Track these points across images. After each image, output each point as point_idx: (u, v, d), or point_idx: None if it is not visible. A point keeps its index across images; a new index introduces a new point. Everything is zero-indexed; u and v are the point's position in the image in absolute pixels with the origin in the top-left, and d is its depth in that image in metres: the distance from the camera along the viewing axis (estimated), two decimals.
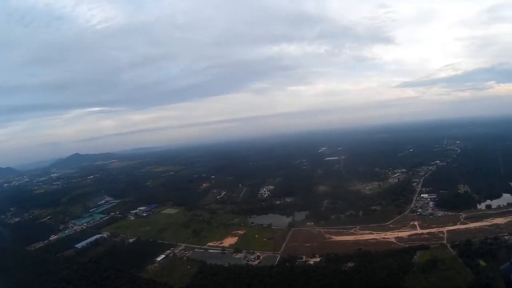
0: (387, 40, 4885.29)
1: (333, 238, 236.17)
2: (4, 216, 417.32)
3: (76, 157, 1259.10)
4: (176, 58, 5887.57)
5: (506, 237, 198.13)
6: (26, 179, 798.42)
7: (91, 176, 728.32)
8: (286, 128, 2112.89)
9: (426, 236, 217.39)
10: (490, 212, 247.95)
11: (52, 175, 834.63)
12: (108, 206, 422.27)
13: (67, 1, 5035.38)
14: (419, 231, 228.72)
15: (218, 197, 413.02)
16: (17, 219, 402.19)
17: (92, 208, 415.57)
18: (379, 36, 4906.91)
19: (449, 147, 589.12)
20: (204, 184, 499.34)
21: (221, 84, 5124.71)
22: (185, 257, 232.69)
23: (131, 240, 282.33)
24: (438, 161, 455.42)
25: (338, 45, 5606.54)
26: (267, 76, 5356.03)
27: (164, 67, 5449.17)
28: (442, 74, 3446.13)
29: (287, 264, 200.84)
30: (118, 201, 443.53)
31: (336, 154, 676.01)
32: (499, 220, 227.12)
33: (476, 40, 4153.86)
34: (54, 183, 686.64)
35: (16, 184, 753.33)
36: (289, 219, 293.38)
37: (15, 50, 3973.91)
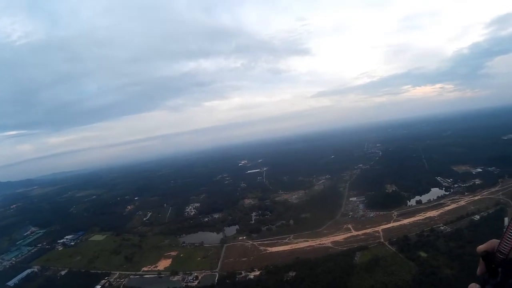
0: (303, 52, 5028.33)
1: (268, 250, 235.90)
2: None
3: None
4: (94, 75, 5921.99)
5: (442, 228, 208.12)
6: None
7: (14, 205, 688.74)
8: (204, 143, 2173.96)
9: (363, 237, 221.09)
10: (421, 207, 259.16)
11: None
12: (34, 237, 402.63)
13: None
14: (354, 233, 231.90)
15: (144, 219, 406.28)
16: None
17: (18, 241, 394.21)
18: (295, 48, 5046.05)
19: (370, 151, 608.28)
20: (129, 207, 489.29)
21: (138, 102, 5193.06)
22: (121, 286, 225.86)
23: (63, 273, 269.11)
24: (361, 165, 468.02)
25: (254, 58, 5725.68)
26: (183, 92, 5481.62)
27: (82, 84, 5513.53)
28: (358, 82, 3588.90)
29: (227, 281, 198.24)
30: (44, 230, 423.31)
31: (257, 166, 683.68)
32: (432, 213, 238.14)
33: (392, 47, 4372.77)
34: None
35: None
36: (220, 235, 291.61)
37: None
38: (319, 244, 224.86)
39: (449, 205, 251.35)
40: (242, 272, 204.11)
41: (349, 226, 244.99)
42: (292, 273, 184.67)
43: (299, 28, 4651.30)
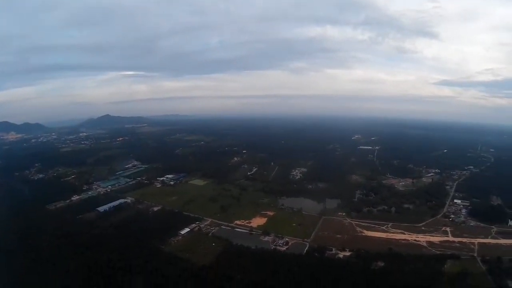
0: (431, 35, 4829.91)
1: (364, 233, 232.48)
2: (27, 172, 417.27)
3: (107, 118, 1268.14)
4: (217, 29, 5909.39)
5: None
6: (54, 136, 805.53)
7: (120, 138, 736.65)
8: (320, 110, 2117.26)
9: (458, 245, 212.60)
10: None
11: (80, 134, 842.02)
12: (135, 171, 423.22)
13: None
14: (450, 238, 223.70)
15: (249, 173, 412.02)
16: (40, 176, 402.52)
17: (118, 171, 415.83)
18: (423, 29, 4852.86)
19: (483, 154, 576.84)
20: (235, 158, 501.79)
21: (259, 60, 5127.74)
22: (210, 233, 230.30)
23: (155, 209, 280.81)
24: (471, 167, 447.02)
25: (382, 33, 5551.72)
26: (306, 56, 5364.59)
27: (203, 37, 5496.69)
28: (481, 78, 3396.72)
29: (316, 254, 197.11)
30: (146, 166, 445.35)
31: (370, 143, 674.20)
32: None
33: None
34: (82, 142, 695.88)
35: (44, 140, 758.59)
36: (321, 206, 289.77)
37: (55, 11, 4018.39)
38: (415, 240, 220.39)
39: None
40: (333, 249, 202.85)
41: (448, 229, 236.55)
42: (381, 263, 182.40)
43: (430, 9, 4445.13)
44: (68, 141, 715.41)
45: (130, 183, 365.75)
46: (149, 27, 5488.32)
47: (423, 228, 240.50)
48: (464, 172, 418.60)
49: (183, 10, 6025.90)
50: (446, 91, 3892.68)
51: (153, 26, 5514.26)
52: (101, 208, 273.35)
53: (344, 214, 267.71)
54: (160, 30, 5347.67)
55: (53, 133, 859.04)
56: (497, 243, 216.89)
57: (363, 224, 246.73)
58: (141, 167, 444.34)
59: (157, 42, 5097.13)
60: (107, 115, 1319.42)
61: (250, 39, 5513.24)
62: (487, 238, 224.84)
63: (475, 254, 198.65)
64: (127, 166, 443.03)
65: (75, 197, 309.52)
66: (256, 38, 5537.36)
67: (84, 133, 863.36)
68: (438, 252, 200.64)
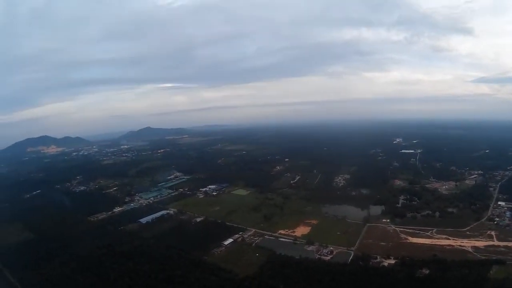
0: (466, 31, 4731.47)
1: (409, 240, 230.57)
2: (69, 184, 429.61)
3: (147, 130, 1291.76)
4: (252, 37, 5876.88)
5: None
6: (95, 149, 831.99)
7: (161, 150, 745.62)
8: (359, 114, 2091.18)
9: (503, 249, 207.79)
10: None
11: (121, 147, 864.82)
12: (176, 182, 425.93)
13: None
14: (495, 242, 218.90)
15: (291, 181, 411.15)
16: (82, 188, 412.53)
17: (160, 183, 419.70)
18: (457, 26, 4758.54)
19: None
20: (278, 167, 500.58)
21: (295, 66, 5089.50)
22: (254, 244, 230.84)
23: (198, 220, 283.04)
24: None
25: (417, 32, 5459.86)
26: (343, 60, 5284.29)
27: (238, 45, 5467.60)
28: None
29: (361, 263, 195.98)
30: (188, 177, 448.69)
31: (412, 147, 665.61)
32: None
33: None
34: (123, 155, 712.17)
35: (85, 153, 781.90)
36: (364, 213, 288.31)
37: (90, 25, 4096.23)
38: (460, 245, 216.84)
39: None
40: (378, 257, 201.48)
41: (492, 233, 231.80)
42: (425, 271, 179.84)
43: (462, 5, 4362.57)
44: (109, 154, 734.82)
45: (172, 194, 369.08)
46: (184, 38, 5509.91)
47: (467, 232, 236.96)
48: (507, 172, 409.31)
49: (216, 19, 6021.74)
50: (484, 88, 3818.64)
51: (188, 37, 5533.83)
52: (143, 220, 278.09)
53: (388, 220, 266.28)
54: (195, 41, 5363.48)
55: (94, 146, 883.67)
56: None
57: (408, 230, 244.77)
58: (183, 178, 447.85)
59: (193, 53, 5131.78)
60: (148, 127, 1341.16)
61: (285, 45, 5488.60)
62: None
63: None
64: (169, 177, 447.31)
65: (117, 209, 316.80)
66: (291, 44, 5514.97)
67: (125, 146, 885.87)
68: (483, 258, 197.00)
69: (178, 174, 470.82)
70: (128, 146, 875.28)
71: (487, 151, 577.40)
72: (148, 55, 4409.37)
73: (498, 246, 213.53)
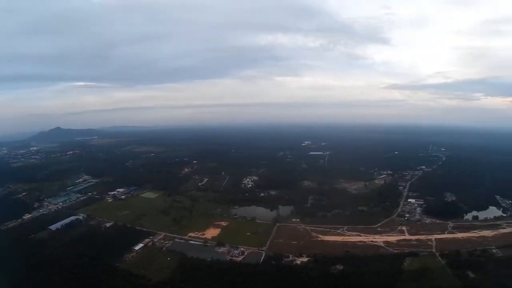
0: (383, 41, 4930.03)
1: (320, 238, 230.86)
2: None
3: (58, 131, 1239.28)
4: (170, 38, 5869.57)
5: (493, 251, 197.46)
6: (5, 151, 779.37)
7: (71, 152, 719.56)
8: (269, 118, 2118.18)
9: (415, 243, 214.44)
10: (477, 223, 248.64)
11: (31, 148, 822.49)
12: (85, 185, 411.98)
13: None
14: (407, 236, 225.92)
15: (200, 183, 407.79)
16: None
17: (69, 187, 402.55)
18: (375, 36, 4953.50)
19: (434, 154, 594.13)
20: (186, 169, 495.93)
21: (210, 69, 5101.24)
22: (164, 248, 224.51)
23: (108, 225, 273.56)
24: (423, 167, 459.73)
25: (334, 40, 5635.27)
26: (256, 64, 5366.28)
27: (157, 46, 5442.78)
28: (432, 80, 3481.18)
29: (273, 262, 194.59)
30: (97, 180, 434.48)
31: (320, 149, 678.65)
32: (487, 233, 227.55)
33: (472, 51, 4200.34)
34: (33, 157, 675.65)
35: None
36: (274, 214, 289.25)
37: (5, 19, 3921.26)
38: (372, 241, 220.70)
39: (504, 227, 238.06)
40: (290, 255, 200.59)
41: (404, 228, 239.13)
42: (339, 267, 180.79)
43: (382, 16, 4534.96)
44: (19, 156, 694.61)
45: (81, 198, 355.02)
46: (101, 37, 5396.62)
47: (379, 229, 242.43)
48: (417, 172, 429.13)
49: (136, 19, 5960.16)
50: (396, 94, 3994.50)
51: (105, 36, 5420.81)
52: (53, 227, 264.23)
53: (298, 220, 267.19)
54: (115, 39, 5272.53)
55: (4, 148, 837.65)
56: (454, 238, 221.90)
57: (318, 229, 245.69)
58: (92, 181, 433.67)
59: (111, 52, 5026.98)
60: (58, 128, 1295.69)
61: (202, 47, 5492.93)
62: (444, 233, 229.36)
63: (433, 250, 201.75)
64: (77, 181, 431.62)
65: (26, 216, 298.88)
66: (206, 47, 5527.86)
67: (35, 147, 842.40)
68: (396, 251, 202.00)
69: (86, 177, 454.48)
70: (38, 148, 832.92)
71: (396, 152, 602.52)
72: (66, 52, 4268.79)
73: (410, 239, 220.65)
